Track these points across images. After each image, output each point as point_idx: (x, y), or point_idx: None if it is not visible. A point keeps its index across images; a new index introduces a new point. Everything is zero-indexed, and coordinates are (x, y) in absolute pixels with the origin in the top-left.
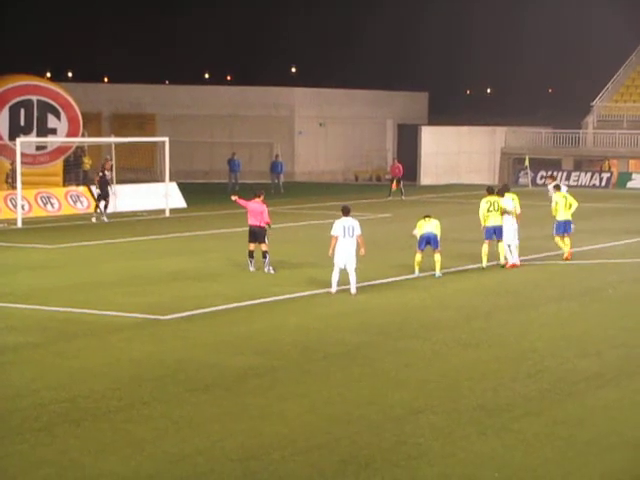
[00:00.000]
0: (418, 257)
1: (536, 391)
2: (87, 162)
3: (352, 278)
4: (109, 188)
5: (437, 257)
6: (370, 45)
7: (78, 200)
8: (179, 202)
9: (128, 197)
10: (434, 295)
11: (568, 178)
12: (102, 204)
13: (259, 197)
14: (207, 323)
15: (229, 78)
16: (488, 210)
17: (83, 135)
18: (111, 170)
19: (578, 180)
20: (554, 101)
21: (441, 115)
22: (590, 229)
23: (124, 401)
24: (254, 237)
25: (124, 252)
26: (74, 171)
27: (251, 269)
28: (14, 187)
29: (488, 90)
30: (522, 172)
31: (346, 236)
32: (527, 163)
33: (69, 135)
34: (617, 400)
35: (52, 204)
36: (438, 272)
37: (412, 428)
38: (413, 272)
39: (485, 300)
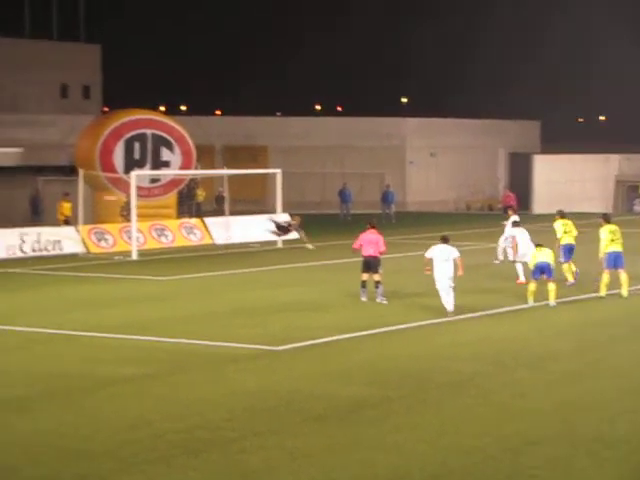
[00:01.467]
0: (532, 287)
1: None
2: (200, 194)
3: (449, 296)
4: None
5: (551, 286)
6: (480, 75)
7: (191, 232)
8: (291, 233)
9: (240, 228)
10: (549, 325)
11: None
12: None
13: (373, 227)
14: (320, 353)
15: (339, 109)
16: (611, 240)
17: (196, 168)
18: None
19: None
20: None
21: (553, 143)
22: None
23: (238, 432)
24: (368, 267)
25: (237, 283)
26: (187, 203)
27: (363, 299)
28: (128, 220)
29: (600, 117)
30: (637, 200)
31: (441, 260)
32: None
33: (182, 168)
34: None
35: (166, 236)
36: (552, 302)
37: (528, 459)
38: (527, 302)
39: (601, 330)
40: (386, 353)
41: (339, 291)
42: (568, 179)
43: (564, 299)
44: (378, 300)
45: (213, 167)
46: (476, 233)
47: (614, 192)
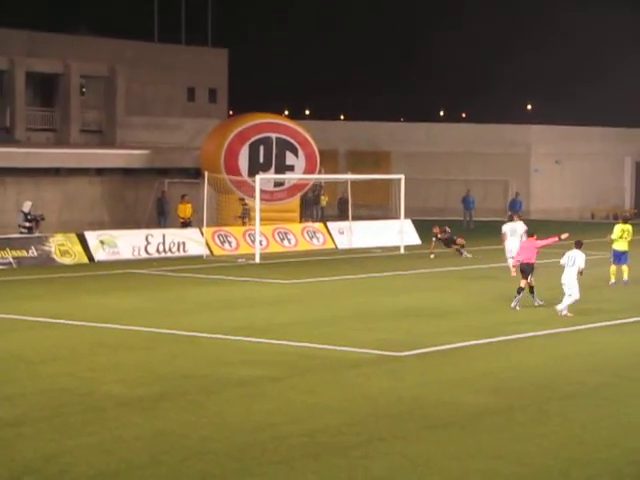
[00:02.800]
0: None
1: None
2: (324, 199)
3: (566, 299)
4: None
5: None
6: (608, 80)
7: (314, 236)
8: (413, 239)
9: (363, 234)
10: None
11: None
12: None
13: (532, 236)
14: (443, 360)
15: (464, 115)
16: (620, 237)
17: (320, 172)
18: None
19: None
20: None
21: None
22: None
23: (361, 437)
24: (524, 274)
25: (359, 288)
26: (311, 207)
27: (513, 305)
28: (244, 223)
29: None
30: None
31: (567, 265)
32: None
33: (306, 172)
34: None
35: (289, 240)
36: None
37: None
38: None
39: None
40: (511, 362)
41: (463, 298)
42: None
43: None
44: (536, 304)
45: (337, 172)
46: (600, 243)
47: None
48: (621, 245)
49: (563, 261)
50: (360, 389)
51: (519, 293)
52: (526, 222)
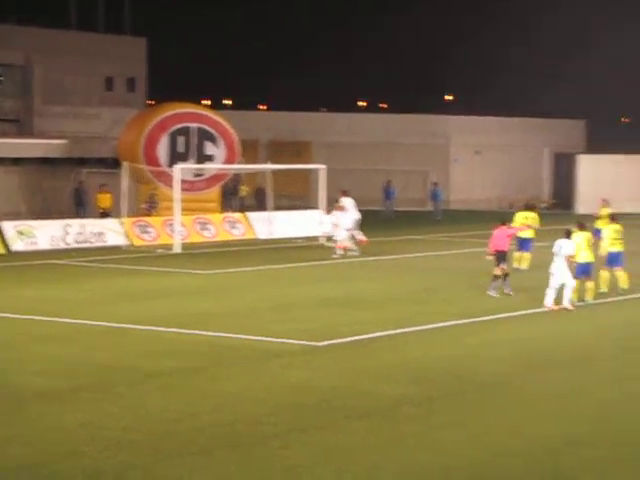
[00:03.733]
0: (576, 284)
1: None
2: (244, 189)
3: (567, 292)
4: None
5: (589, 285)
6: (527, 71)
7: (234, 226)
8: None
9: (283, 224)
10: (589, 325)
11: None
12: None
13: (504, 225)
14: (362, 350)
15: (384, 106)
16: (614, 239)
17: (240, 162)
18: None
19: None
20: None
21: (598, 143)
22: None
23: (280, 427)
24: (498, 261)
25: (279, 278)
26: (231, 198)
27: (489, 292)
28: (149, 213)
29: None
30: None
31: (556, 255)
32: None
33: (226, 162)
34: None
35: (209, 230)
36: (590, 300)
37: (568, 461)
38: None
39: None
40: (427, 351)
41: (381, 288)
42: (612, 179)
43: (606, 299)
44: (506, 291)
45: (257, 162)
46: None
47: None
48: (526, 232)
49: (555, 250)
50: (279, 379)
51: (494, 280)
52: (446, 212)
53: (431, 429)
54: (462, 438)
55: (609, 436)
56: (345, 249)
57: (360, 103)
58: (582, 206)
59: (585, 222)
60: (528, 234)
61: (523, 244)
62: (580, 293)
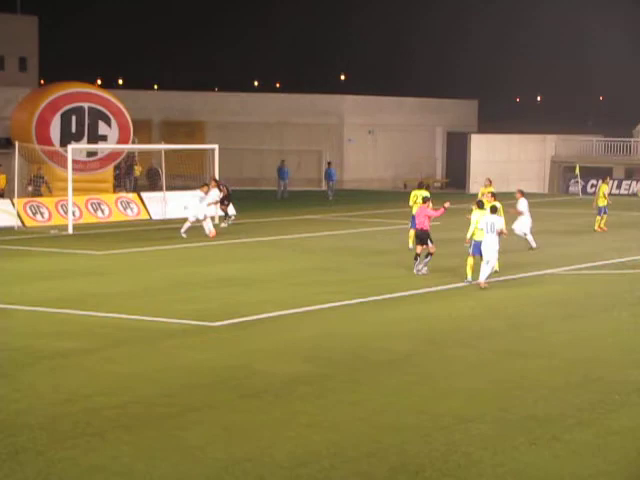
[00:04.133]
0: (471, 261)
1: (588, 401)
2: (137, 169)
3: (486, 269)
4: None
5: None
6: (419, 52)
7: (128, 207)
8: (229, 209)
9: (178, 204)
10: (483, 303)
11: (619, 187)
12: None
13: (425, 203)
14: (256, 330)
15: (278, 85)
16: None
17: (134, 142)
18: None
19: (629, 189)
20: (605, 109)
21: (491, 123)
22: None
23: (174, 407)
24: (419, 240)
25: (174, 259)
26: (125, 178)
27: (416, 271)
28: (37, 194)
29: (538, 98)
30: (572, 181)
31: (489, 232)
32: (578, 172)
33: (120, 142)
34: None
35: (102, 210)
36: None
37: (462, 437)
38: (464, 279)
39: (535, 309)
40: (323, 331)
41: (276, 267)
42: (504, 159)
43: (498, 278)
44: (423, 270)
45: (150, 142)
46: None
47: (550, 172)
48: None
49: (481, 226)
50: (174, 360)
51: (416, 259)
52: (340, 192)
53: (325, 408)
54: (355, 416)
55: (502, 413)
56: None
57: (254, 83)
58: (474, 185)
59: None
60: None
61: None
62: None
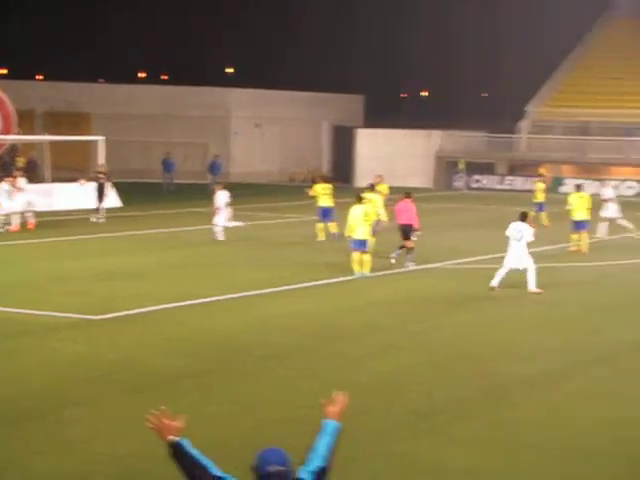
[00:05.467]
0: (356, 257)
1: (471, 394)
2: (21, 160)
3: (530, 275)
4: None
5: (367, 258)
6: (307, 46)
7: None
8: (114, 201)
9: (62, 196)
10: (368, 298)
11: (502, 182)
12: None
13: (408, 198)
14: (141, 323)
15: (165, 77)
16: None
17: (17, 133)
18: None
19: (512, 184)
20: (489, 105)
21: (377, 118)
22: None
23: (57, 402)
24: (404, 234)
25: (58, 251)
26: (8, 169)
27: (401, 263)
28: None
29: (424, 93)
30: (457, 176)
31: (514, 240)
32: (462, 167)
33: (2, 133)
34: (550, 403)
35: None
36: (367, 272)
37: (345, 430)
38: (350, 274)
39: (419, 304)
40: (208, 325)
41: (159, 261)
42: (390, 154)
43: (384, 272)
44: (408, 265)
45: (33, 133)
46: (300, 205)
47: (435, 167)
48: (325, 201)
49: (509, 233)
50: (58, 354)
51: (409, 253)
52: (227, 185)
53: (209, 402)
54: (240, 410)
55: (385, 407)
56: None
57: (140, 74)
58: (360, 179)
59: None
60: (328, 203)
61: (326, 212)
62: (359, 266)
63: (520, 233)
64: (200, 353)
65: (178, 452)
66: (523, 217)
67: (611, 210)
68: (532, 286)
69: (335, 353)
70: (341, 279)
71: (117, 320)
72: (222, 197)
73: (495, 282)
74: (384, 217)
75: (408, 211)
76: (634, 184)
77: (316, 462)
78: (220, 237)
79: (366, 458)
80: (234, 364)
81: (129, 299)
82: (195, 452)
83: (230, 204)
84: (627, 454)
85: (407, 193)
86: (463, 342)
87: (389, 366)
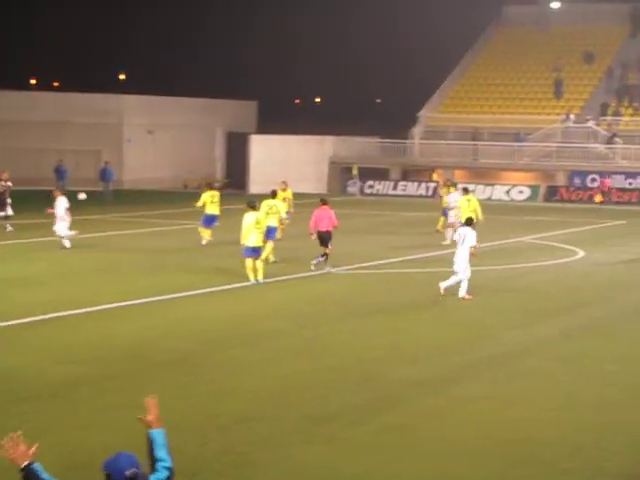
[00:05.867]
0: (249, 264)
1: (365, 399)
2: None
3: (453, 279)
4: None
5: (259, 264)
6: (200, 52)
7: None
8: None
9: None
10: (264, 303)
11: (395, 188)
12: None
13: (325, 204)
14: (36, 331)
15: (57, 84)
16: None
17: None
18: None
19: (405, 190)
20: (382, 111)
21: (271, 124)
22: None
23: None
24: (323, 241)
25: None
26: None
27: (326, 269)
28: None
29: (317, 99)
30: (351, 181)
31: (458, 244)
32: (355, 172)
33: None
34: (444, 406)
35: None
36: (261, 279)
37: (238, 437)
38: (246, 280)
39: (315, 309)
40: (104, 331)
41: (53, 268)
42: (284, 160)
43: (278, 278)
44: (326, 269)
45: None
46: (194, 212)
47: (328, 173)
48: (213, 209)
49: (455, 238)
50: None
51: (323, 256)
52: (118, 192)
53: (103, 409)
54: (133, 417)
55: (280, 412)
56: None
57: (31, 81)
58: (254, 186)
59: (257, 202)
60: (215, 210)
61: (212, 220)
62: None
63: (462, 237)
64: (96, 360)
65: (30, 477)
66: (468, 222)
67: (453, 216)
68: (462, 292)
69: (231, 359)
70: (237, 285)
71: (11, 328)
72: (62, 204)
73: (445, 285)
74: (284, 222)
75: (327, 218)
76: (524, 189)
77: (164, 473)
78: (68, 244)
79: (261, 464)
80: (130, 371)
81: (23, 306)
82: (46, 476)
83: (69, 210)
84: (513, 455)
85: (323, 199)
86: (358, 347)
87: (285, 371)
